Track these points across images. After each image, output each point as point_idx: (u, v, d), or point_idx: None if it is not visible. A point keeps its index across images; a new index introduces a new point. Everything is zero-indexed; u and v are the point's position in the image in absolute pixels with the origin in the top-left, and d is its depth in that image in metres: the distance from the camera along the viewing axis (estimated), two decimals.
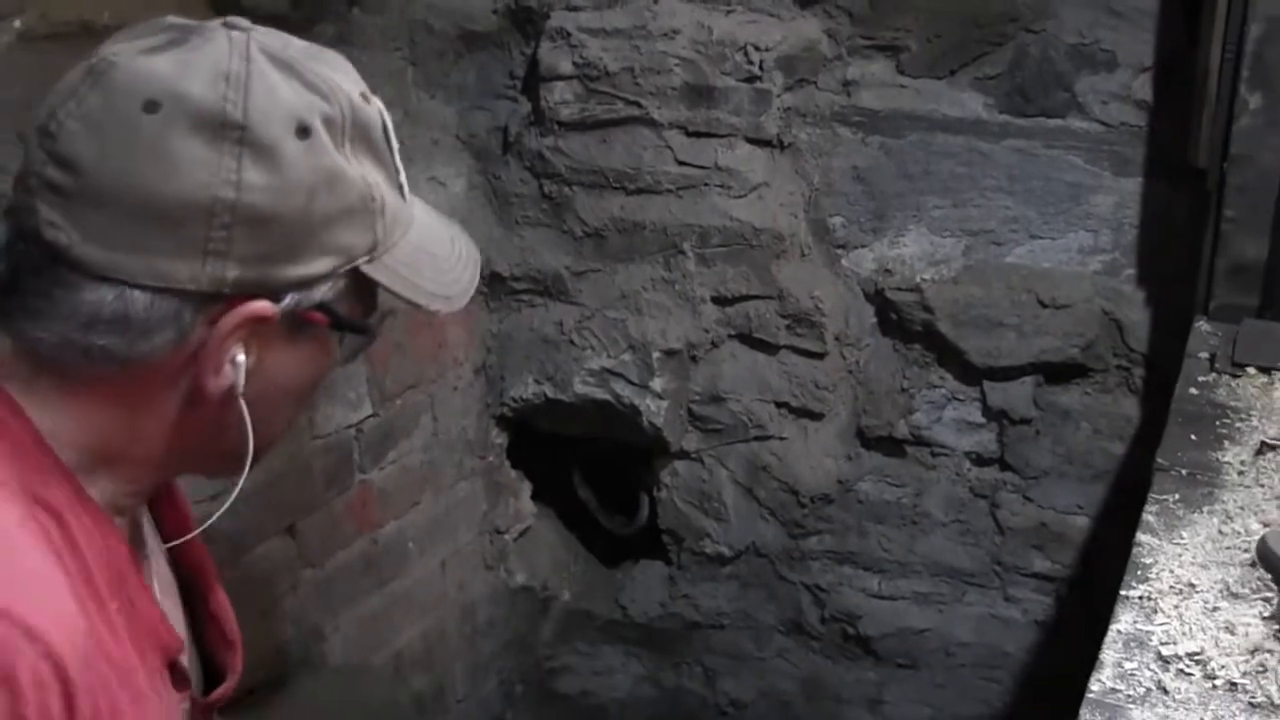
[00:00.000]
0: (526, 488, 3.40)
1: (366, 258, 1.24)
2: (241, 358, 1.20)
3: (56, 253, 1.14)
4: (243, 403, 1.22)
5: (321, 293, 1.22)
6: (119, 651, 1.20)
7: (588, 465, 3.42)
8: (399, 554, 2.96)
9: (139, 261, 1.13)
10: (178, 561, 1.45)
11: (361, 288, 1.27)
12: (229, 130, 1.14)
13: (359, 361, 2.71)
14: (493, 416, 3.23)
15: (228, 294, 1.16)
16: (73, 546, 1.18)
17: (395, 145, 1.29)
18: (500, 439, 3.28)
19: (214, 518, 1.38)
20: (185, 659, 1.37)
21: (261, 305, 1.18)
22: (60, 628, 1.10)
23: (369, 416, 2.79)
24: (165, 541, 1.43)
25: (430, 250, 1.33)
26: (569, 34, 2.92)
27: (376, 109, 1.27)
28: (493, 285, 3.12)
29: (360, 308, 1.29)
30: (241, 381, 1.21)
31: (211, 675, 1.47)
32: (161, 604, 1.33)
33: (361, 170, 1.23)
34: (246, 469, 1.28)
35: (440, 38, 2.98)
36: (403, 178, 1.30)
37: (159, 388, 1.21)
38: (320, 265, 1.21)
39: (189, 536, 1.43)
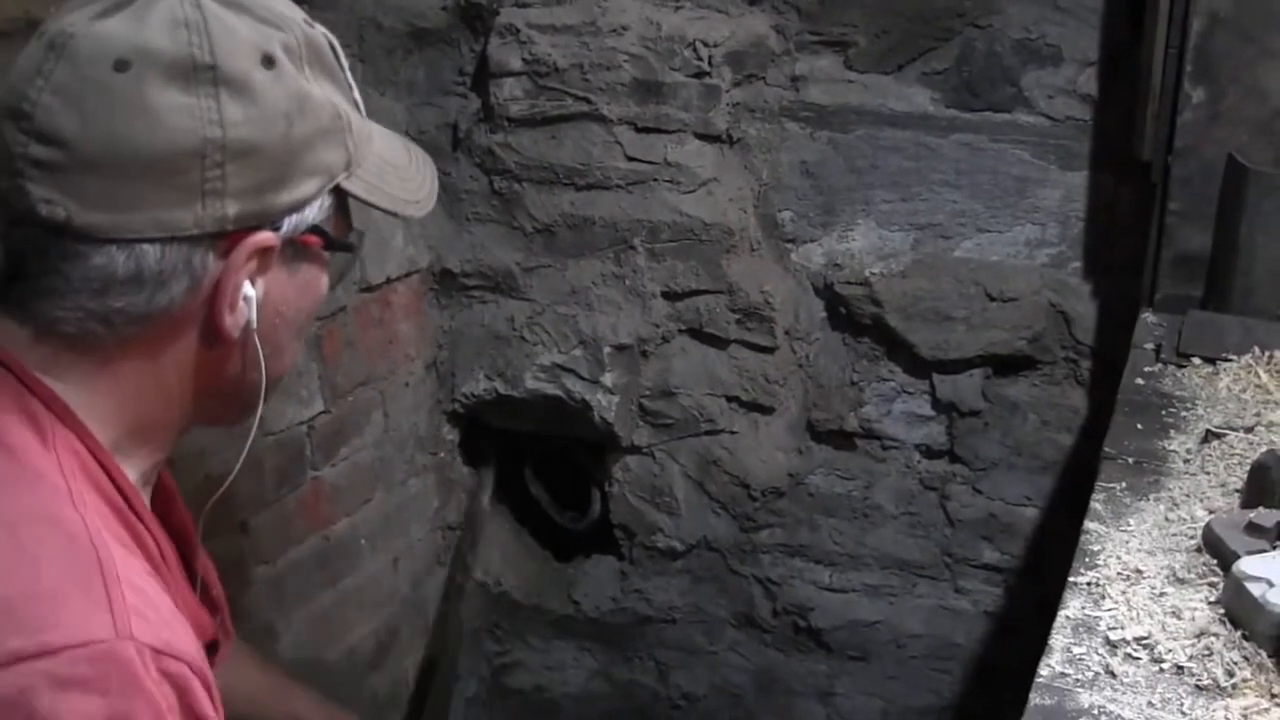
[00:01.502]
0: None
1: (345, 174, 1.29)
2: (252, 292, 1.24)
3: (58, 227, 1.16)
4: (255, 338, 1.27)
5: (313, 215, 1.27)
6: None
7: (539, 461, 3.42)
8: (351, 551, 2.95)
9: (142, 217, 1.16)
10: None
11: (341, 207, 1.33)
12: (201, 73, 1.17)
13: (311, 359, 2.71)
14: (444, 413, 3.23)
15: (231, 230, 1.20)
16: (144, 550, 1.23)
17: (345, 64, 1.35)
18: (452, 435, 3.28)
19: (235, 470, 1.45)
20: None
21: (265, 235, 1.23)
22: (197, 653, 1.15)
23: (321, 413, 2.78)
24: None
25: (392, 161, 1.39)
26: (518, 30, 2.92)
27: (321, 33, 1.32)
28: (443, 281, 3.12)
29: (344, 227, 1.35)
30: (255, 316, 1.25)
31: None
32: None
33: (324, 91, 1.28)
34: (260, 406, 1.33)
35: (389, 34, 2.98)
36: (356, 94, 1.36)
37: (181, 339, 1.25)
38: (308, 187, 1.25)
39: (218, 494, 1.49)
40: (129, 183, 1.15)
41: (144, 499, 1.30)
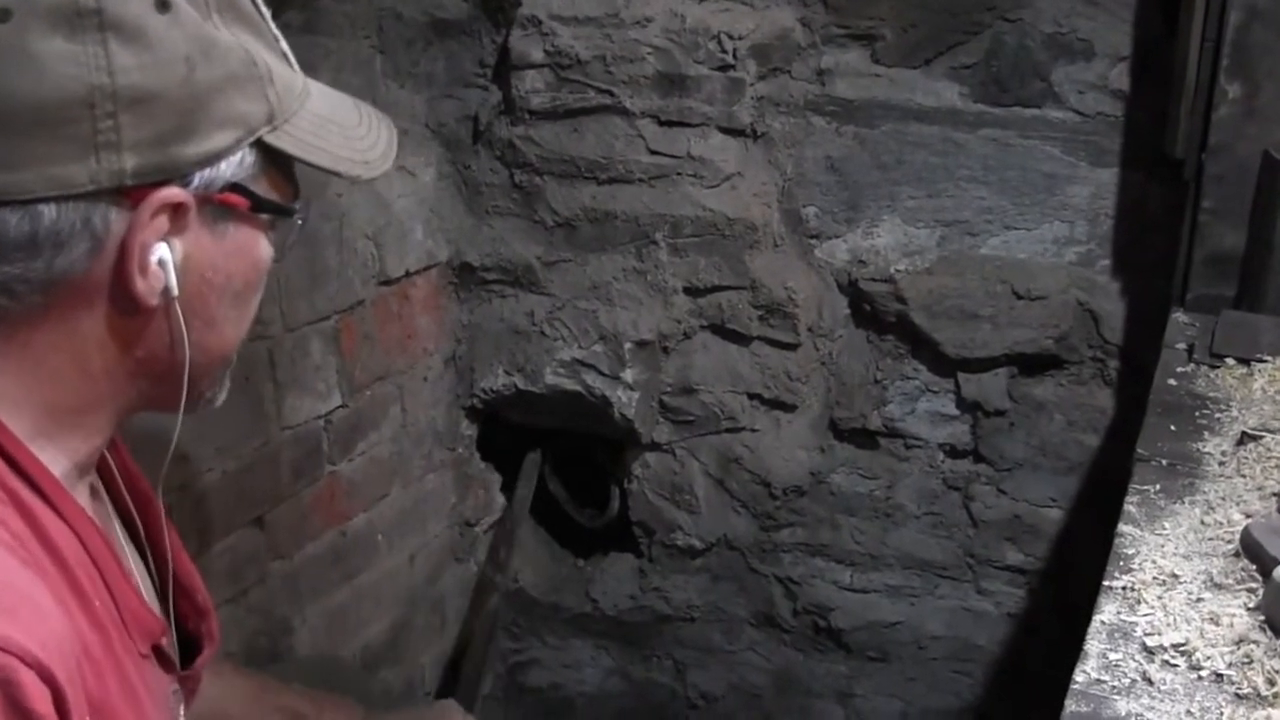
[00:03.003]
0: (496, 480, 3.38)
1: (268, 127, 1.21)
2: (167, 254, 1.16)
3: None
4: (178, 306, 1.19)
5: (230, 170, 1.19)
6: (105, 649, 1.17)
7: (558, 457, 3.40)
8: (368, 546, 2.93)
9: (33, 174, 1.09)
10: (136, 526, 1.42)
11: (276, 167, 1.25)
12: (86, 18, 1.09)
13: (329, 352, 2.68)
14: (462, 408, 3.21)
15: (131, 185, 1.13)
16: (47, 543, 1.15)
17: (267, 13, 1.26)
18: (470, 430, 3.26)
19: (171, 449, 1.34)
20: (167, 638, 1.35)
21: (172, 191, 1.15)
22: (49, 646, 1.05)
23: (338, 407, 2.76)
24: (116, 503, 1.41)
25: (336, 120, 1.30)
26: (540, 22, 2.89)
27: None
28: (463, 275, 3.10)
29: (282, 190, 1.27)
30: (174, 281, 1.17)
31: (183, 643, 1.44)
32: (135, 581, 1.31)
33: (237, 38, 1.20)
34: (184, 382, 1.24)
35: (409, 25, 2.95)
36: (284, 46, 1.27)
37: (95, 308, 1.17)
38: (220, 139, 1.17)
39: (162, 471, 1.39)
40: (18, 139, 1.08)
41: (78, 489, 1.24)
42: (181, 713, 1.38)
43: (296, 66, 1.29)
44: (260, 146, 1.21)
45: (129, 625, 1.24)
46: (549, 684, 3.48)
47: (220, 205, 1.20)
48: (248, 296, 1.29)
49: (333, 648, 2.85)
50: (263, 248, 1.27)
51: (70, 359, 1.18)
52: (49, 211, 1.10)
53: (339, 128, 1.29)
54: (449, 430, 3.17)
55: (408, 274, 2.94)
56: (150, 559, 1.42)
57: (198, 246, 1.20)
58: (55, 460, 1.20)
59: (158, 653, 1.31)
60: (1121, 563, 1.74)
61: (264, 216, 1.25)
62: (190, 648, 1.45)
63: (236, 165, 1.19)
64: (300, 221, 1.32)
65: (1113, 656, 1.54)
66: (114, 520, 1.38)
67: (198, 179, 1.17)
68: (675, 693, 3.41)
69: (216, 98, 1.16)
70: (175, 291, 1.18)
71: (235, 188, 1.20)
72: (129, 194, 1.13)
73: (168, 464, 1.36)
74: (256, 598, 2.60)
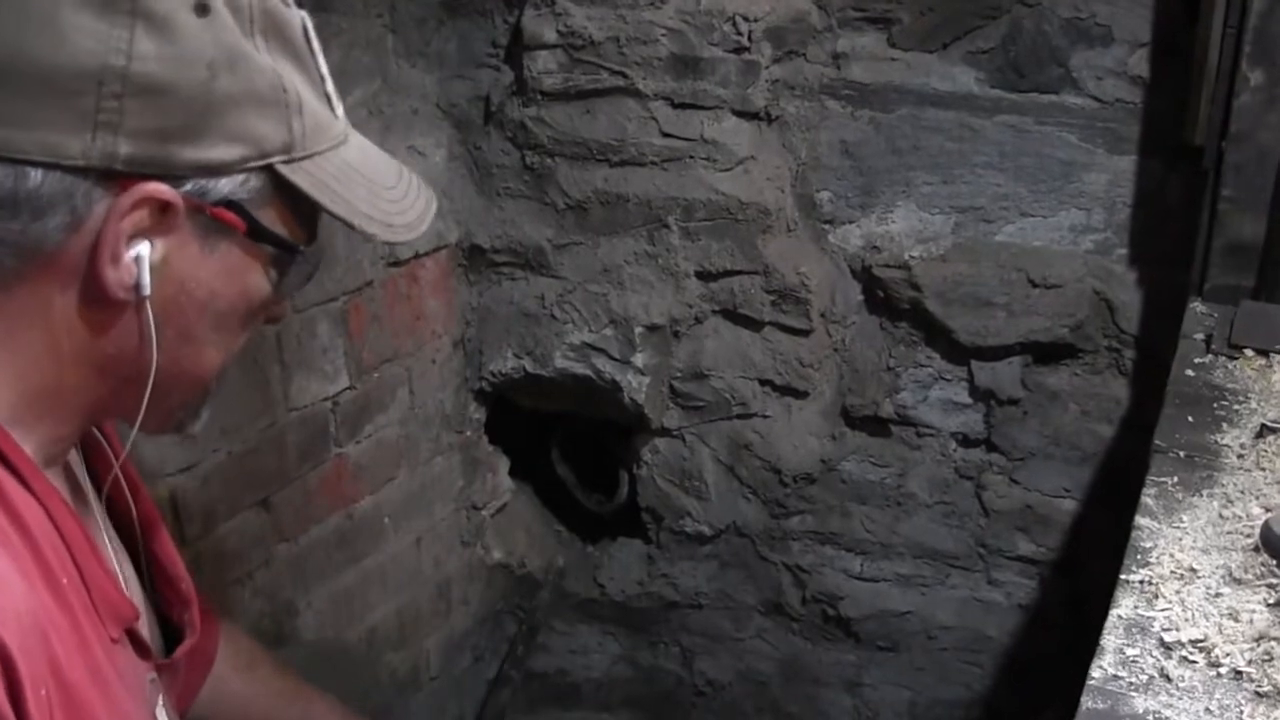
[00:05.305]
0: (504, 463, 3.36)
1: (282, 157, 1.19)
2: (145, 251, 1.15)
3: None
4: (149, 307, 1.17)
5: (230, 187, 1.17)
6: (71, 628, 1.16)
7: (567, 441, 3.38)
8: (374, 529, 2.92)
9: (28, 136, 1.09)
10: (119, 514, 1.41)
11: (294, 204, 1.22)
12: (120, 2, 1.09)
13: (337, 334, 2.67)
14: (471, 391, 3.19)
15: (121, 171, 1.12)
16: (15, 519, 1.13)
17: (318, 51, 1.25)
18: (478, 414, 3.24)
19: (124, 454, 1.33)
20: (144, 626, 1.33)
21: (158, 187, 1.13)
22: (3, 613, 1.04)
23: (346, 389, 2.74)
24: (99, 489, 1.39)
25: (369, 175, 1.27)
26: (553, 2, 2.86)
27: (298, 15, 1.23)
28: (473, 257, 3.07)
29: (293, 229, 1.24)
30: (146, 279, 1.15)
31: (168, 633, 1.44)
32: (111, 565, 1.29)
33: (275, 64, 1.18)
34: (148, 388, 1.21)
35: (421, 4, 2.93)
36: (329, 88, 1.25)
37: (64, 288, 1.15)
38: (224, 151, 1.15)
39: (121, 460, 1.39)
40: (22, 97, 1.09)
41: (45, 480, 1.20)
42: (159, 701, 1.36)
43: (341, 113, 1.27)
44: (274, 176, 1.19)
45: (99, 608, 1.22)
46: (555, 669, 3.47)
47: (214, 220, 1.17)
48: (232, 322, 1.26)
49: (338, 631, 2.84)
50: (255, 278, 1.24)
51: (42, 335, 1.17)
52: (35, 175, 1.10)
53: (369, 183, 1.26)
54: (457, 413, 3.15)
55: (417, 255, 2.92)
56: (142, 550, 1.42)
57: (182, 254, 1.18)
58: (25, 442, 1.18)
59: (132, 639, 1.30)
60: (1139, 556, 1.72)
61: (263, 247, 1.22)
62: (176, 639, 1.44)
63: (238, 184, 1.18)
64: (308, 266, 1.29)
65: (1130, 652, 1.52)
66: (95, 511, 1.36)
67: (191, 185, 1.15)
68: (682, 680, 3.39)
69: (231, 110, 1.15)
70: (147, 290, 1.16)
71: (232, 205, 1.18)
72: (117, 180, 1.12)
73: (121, 461, 1.36)
74: (262, 580, 2.59)
